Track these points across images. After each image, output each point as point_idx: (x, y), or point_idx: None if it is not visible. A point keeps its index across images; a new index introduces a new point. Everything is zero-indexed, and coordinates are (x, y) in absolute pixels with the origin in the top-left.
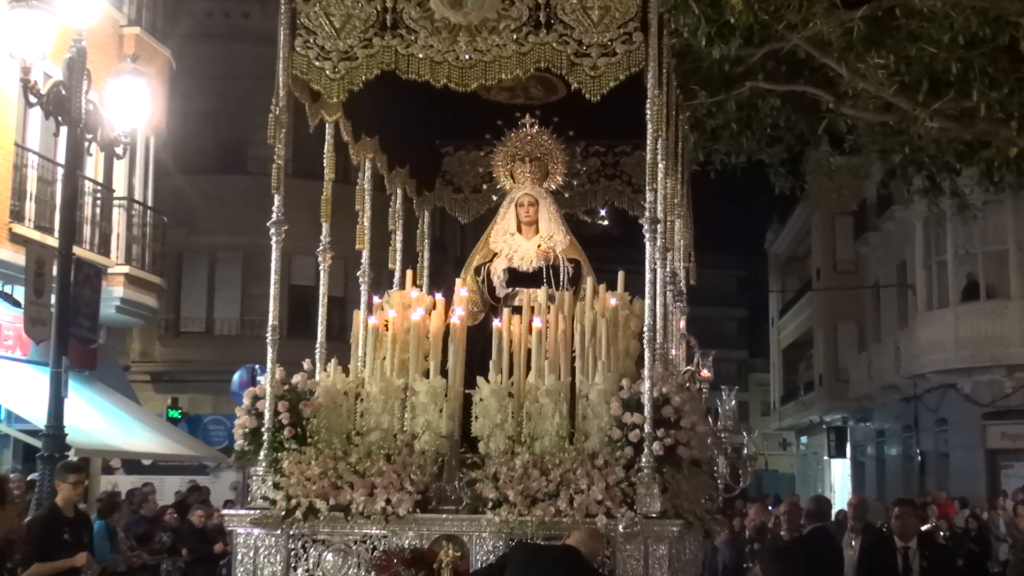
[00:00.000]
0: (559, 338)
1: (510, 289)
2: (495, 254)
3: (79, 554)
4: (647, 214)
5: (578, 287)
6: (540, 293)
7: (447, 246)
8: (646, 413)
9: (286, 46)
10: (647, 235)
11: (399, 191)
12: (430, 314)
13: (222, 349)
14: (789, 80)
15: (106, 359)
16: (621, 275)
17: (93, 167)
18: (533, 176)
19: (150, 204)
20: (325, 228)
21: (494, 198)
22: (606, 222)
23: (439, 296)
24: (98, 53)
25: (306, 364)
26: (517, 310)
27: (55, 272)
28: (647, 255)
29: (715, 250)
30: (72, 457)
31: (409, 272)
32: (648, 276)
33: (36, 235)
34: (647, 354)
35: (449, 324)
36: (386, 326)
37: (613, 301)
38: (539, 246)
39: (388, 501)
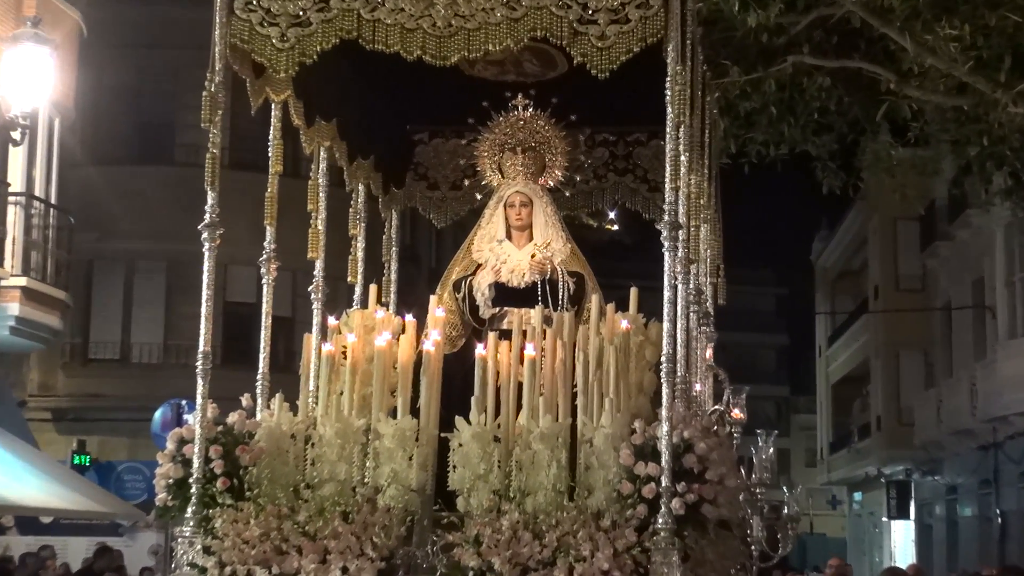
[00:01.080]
0: (557, 369)
1: (497, 309)
2: (479, 266)
3: None
4: (666, 218)
5: (581, 307)
6: (534, 314)
7: (420, 256)
8: (663, 463)
9: (223, 8)
10: (666, 244)
11: (361, 188)
12: (398, 339)
13: (141, 381)
14: (841, 55)
15: None
16: (634, 293)
17: None
18: (526, 170)
19: (53, 201)
20: (270, 232)
21: (478, 197)
22: (616, 227)
23: (409, 317)
24: None
25: (245, 400)
26: (506, 335)
27: None
28: (666, 268)
29: (750, 263)
30: None
31: (373, 287)
32: (667, 294)
33: None
34: (665, 390)
35: (421, 352)
36: (344, 354)
37: (624, 324)
38: (533, 256)
39: (345, 570)
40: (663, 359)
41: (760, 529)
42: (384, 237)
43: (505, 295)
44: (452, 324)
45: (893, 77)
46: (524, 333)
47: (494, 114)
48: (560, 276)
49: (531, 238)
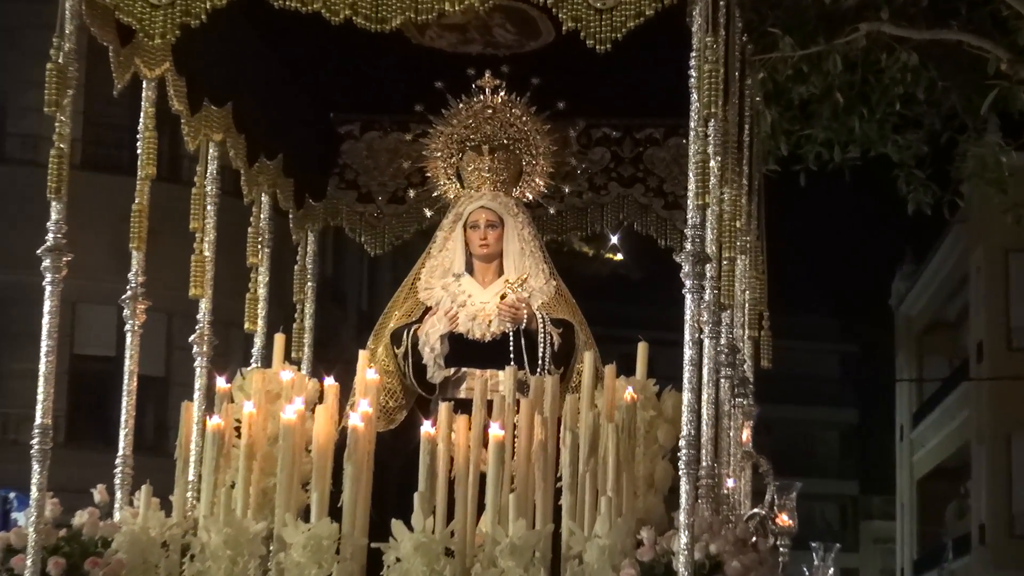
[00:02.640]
0: (534, 456)
1: (452, 371)
2: (427, 310)
3: None
4: (688, 246)
5: (568, 369)
6: (503, 378)
7: (345, 294)
8: None
9: None
10: (688, 282)
11: (266, 199)
12: (313, 411)
13: None
14: (933, 23)
15: None
16: (643, 349)
17: None
18: (495, 177)
19: None
20: (137, 260)
21: (428, 214)
22: (620, 258)
23: (330, 380)
24: None
25: (98, 493)
26: (464, 406)
27: None
28: (687, 316)
29: (807, 310)
30: None
31: (279, 338)
32: (689, 352)
33: None
34: (684, 486)
35: (346, 429)
36: (238, 430)
37: (629, 393)
38: (503, 297)
39: None
40: (682, 443)
41: None
42: (296, 268)
43: (464, 351)
44: (390, 391)
45: (1005, 55)
46: (489, 405)
47: (452, 99)
48: (540, 325)
49: (500, 272)
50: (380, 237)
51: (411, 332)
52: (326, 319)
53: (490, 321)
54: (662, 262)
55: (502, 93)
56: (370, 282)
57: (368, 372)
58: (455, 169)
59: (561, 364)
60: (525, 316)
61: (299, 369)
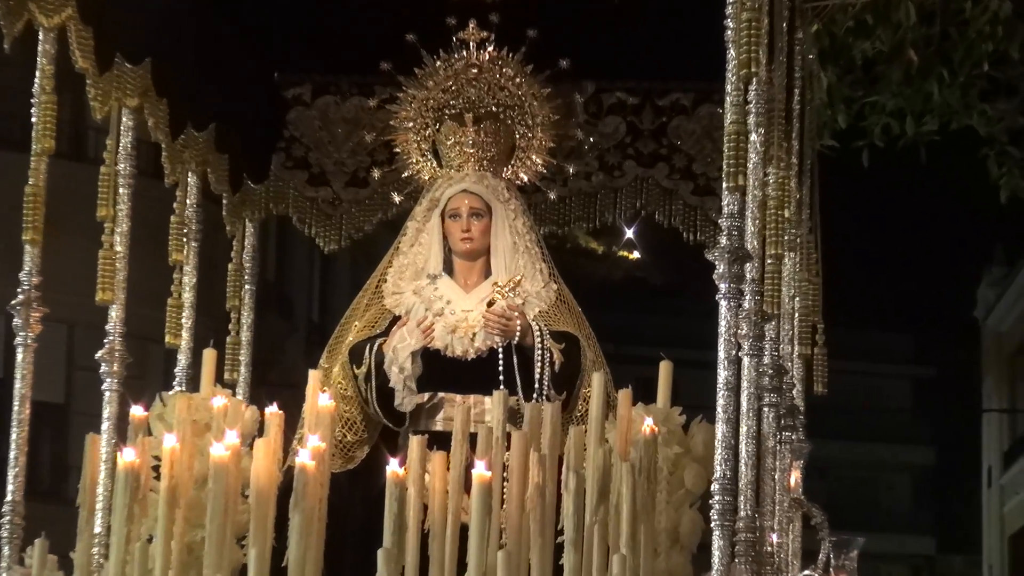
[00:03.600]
0: (529, 503)
1: (426, 396)
2: (395, 320)
3: None
4: (723, 240)
5: (573, 394)
6: (491, 405)
7: (292, 301)
8: None
9: None
10: (722, 286)
11: (193, 181)
12: (252, 446)
13: None
14: None
15: None
16: (666, 369)
17: None
18: (481, 154)
19: None
20: (31, 255)
21: (396, 200)
22: (637, 255)
23: (272, 408)
24: None
25: None
26: (441, 441)
27: None
28: (722, 328)
29: (870, 321)
30: None
31: (209, 354)
32: (724, 374)
33: None
34: (718, 542)
35: (292, 469)
36: (156, 470)
37: (648, 425)
38: (490, 304)
39: None
40: (714, 488)
41: None
42: (231, 268)
43: (441, 372)
44: (347, 422)
45: None
46: (473, 439)
47: (426, 56)
48: (537, 340)
49: (488, 273)
50: (336, 229)
51: (375, 348)
52: (268, 332)
53: (474, 334)
54: (690, 262)
55: (490, 48)
56: (323, 286)
57: (320, 398)
58: (431, 144)
59: (563, 388)
60: (518, 328)
61: (234, 394)
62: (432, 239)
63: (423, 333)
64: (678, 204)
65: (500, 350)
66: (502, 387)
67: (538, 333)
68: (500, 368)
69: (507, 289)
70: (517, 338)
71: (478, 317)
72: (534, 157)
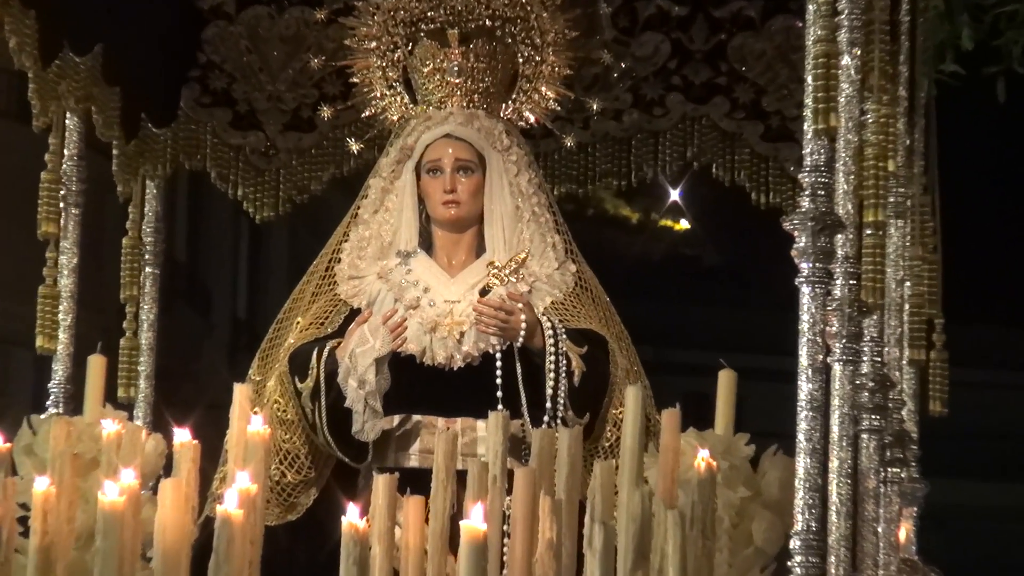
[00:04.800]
0: (541, 566)
1: (396, 420)
2: (353, 314)
3: None
4: (805, 203)
5: (599, 416)
6: (486, 432)
7: (210, 289)
8: None
9: None
10: (804, 266)
11: (72, 123)
12: (155, 488)
13: None
14: None
15: None
16: (727, 381)
17: None
18: (471, 84)
19: None
20: None
21: (354, 148)
22: (684, 225)
23: (183, 437)
24: None
25: None
26: (416, 481)
27: None
28: (804, 325)
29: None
30: None
31: (97, 362)
32: (806, 388)
33: None
34: None
35: (212, 519)
36: (24, 521)
37: (703, 458)
38: (484, 293)
39: None
40: (795, 544)
41: None
42: (126, 244)
43: (417, 386)
44: (288, 454)
45: None
46: (461, 478)
47: None
48: (550, 341)
49: (479, 249)
50: (271, 190)
51: (325, 354)
52: (177, 332)
53: (461, 334)
54: (758, 233)
55: None
56: (253, 269)
57: (251, 422)
58: (401, 71)
59: (585, 407)
60: (522, 326)
61: (131, 418)
62: (403, 203)
63: (392, 333)
64: (742, 153)
65: (498, 356)
66: (501, 407)
67: (550, 332)
68: (498, 381)
69: (507, 272)
70: (521, 339)
71: (468, 310)
72: (543, 89)
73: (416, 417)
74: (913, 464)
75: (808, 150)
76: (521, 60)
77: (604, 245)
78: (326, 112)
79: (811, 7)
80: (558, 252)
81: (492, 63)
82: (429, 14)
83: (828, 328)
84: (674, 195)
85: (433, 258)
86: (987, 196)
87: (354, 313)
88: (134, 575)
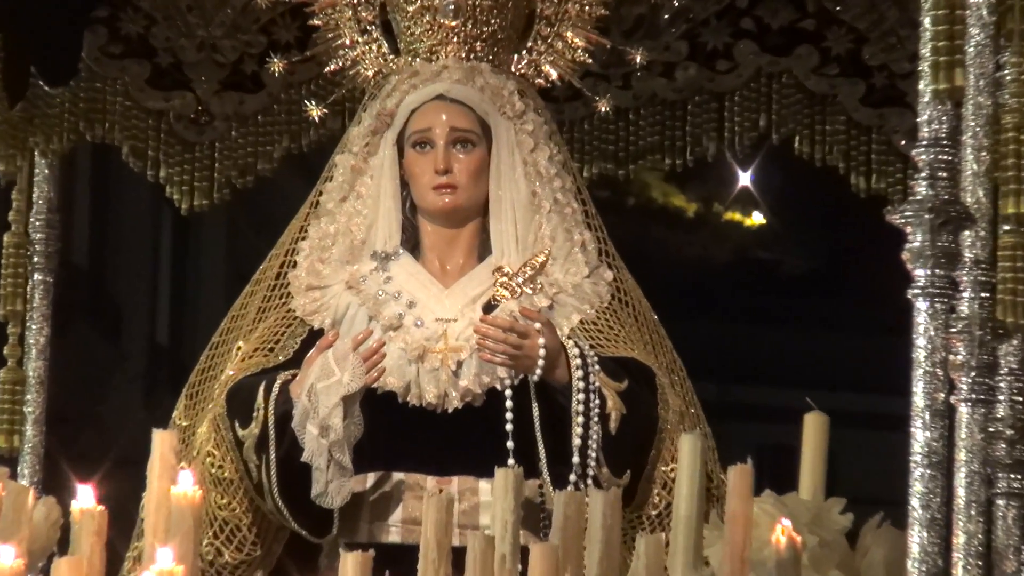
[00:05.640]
0: None
1: (370, 480)
2: (313, 335)
3: None
4: (920, 189)
5: (642, 474)
6: (491, 496)
7: (120, 302)
8: None
9: None
10: (920, 274)
11: None
12: (46, 572)
13: None
14: None
15: None
16: (815, 425)
17: None
18: (472, 28)
19: None
20: None
21: (314, 114)
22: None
23: (85, 501)
24: None
25: None
26: (398, 559)
27: None
28: (919, 355)
29: None
30: None
31: None
32: (923, 436)
33: None
34: None
35: None
36: None
37: (784, 528)
38: (488, 309)
39: None
40: None
41: None
42: (7, 242)
43: (400, 434)
44: (227, 525)
45: None
46: (458, 557)
47: None
48: (578, 373)
49: (482, 250)
50: (203, 171)
51: (276, 391)
52: (76, 360)
53: (459, 364)
54: (855, 230)
55: None
56: (178, 277)
57: (177, 481)
58: (378, 11)
59: (625, 462)
60: (541, 352)
61: (13, 475)
62: (381, 188)
63: (365, 362)
64: (836, 122)
65: (508, 394)
66: (512, 462)
67: (578, 361)
68: (508, 427)
69: (520, 280)
70: (539, 371)
71: (467, 332)
72: (569, 35)
73: (398, 476)
74: None
75: (924, 118)
76: None
77: (650, 245)
78: (277, 66)
79: None
80: (589, 254)
81: (499, 4)
82: None
83: (952, 357)
84: (744, 179)
85: (421, 262)
86: None
87: (315, 335)
88: None
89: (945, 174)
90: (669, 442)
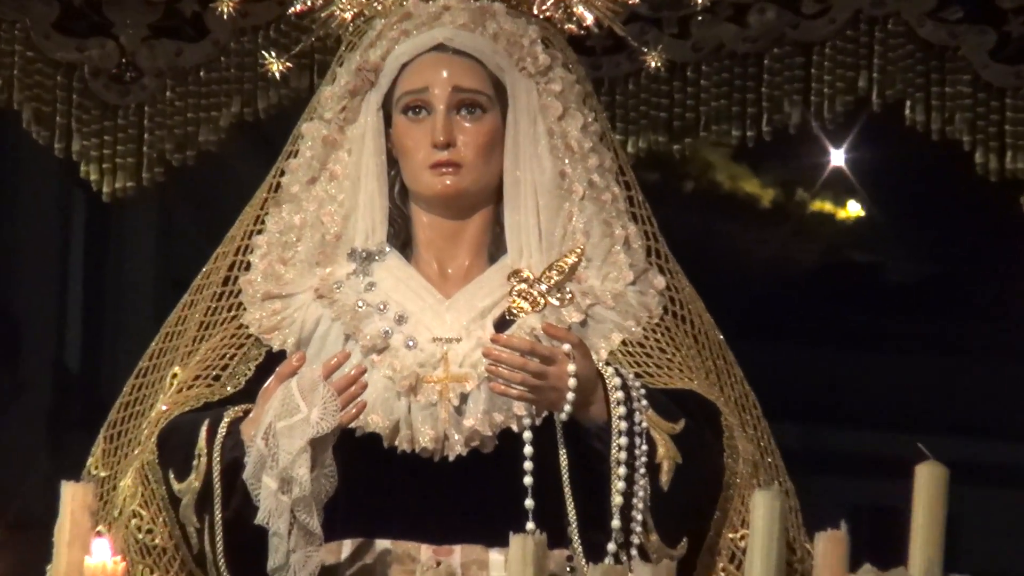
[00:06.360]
0: None
1: (347, 549)
2: (272, 358)
3: None
4: None
5: (702, 543)
6: (505, 569)
7: (19, 318)
8: None
9: None
10: None
11: None
12: None
13: None
14: None
15: None
16: (930, 479)
17: None
18: None
19: None
20: None
21: (274, 69)
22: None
23: None
24: None
25: None
26: None
27: None
28: None
29: None
30: None
31: None
32: None
33: None
34: None
35: None
36: None
37: None
38: (501, 321)
39: None
40: None
41: None
42: None
43: (387, 488)
44: None
45: None
46: None
47: None
48: (619, 411)
49: (494, 248)
50: (129, 144)
51: (223, 432)
52: None
53: (464, 398)
54: (983, 224)
55: None
56: (94, 283)
57: (92, 549)
58: None
59: (680, 526)
60: (571, 383)
61: None
62: (363, 166)
63: (340, 394)
64: (959, 82)
65: (527, 436)
66: (532, 525)
67: (620, 395)
68: (527, 480)
69: (544, 287)
70: (568, 408)
71: (475, 356)
72: None
73: (382, 544)
74: None
75: None
76: None
77: (714, 243)
78: (225, 5)
79: None
80: (634, 254)
81: None
82: None
83: None
84: (836, 157)
85: (414, 263)
86: None
87: (274, 359)
88: None
89: None
90: (739, 501)
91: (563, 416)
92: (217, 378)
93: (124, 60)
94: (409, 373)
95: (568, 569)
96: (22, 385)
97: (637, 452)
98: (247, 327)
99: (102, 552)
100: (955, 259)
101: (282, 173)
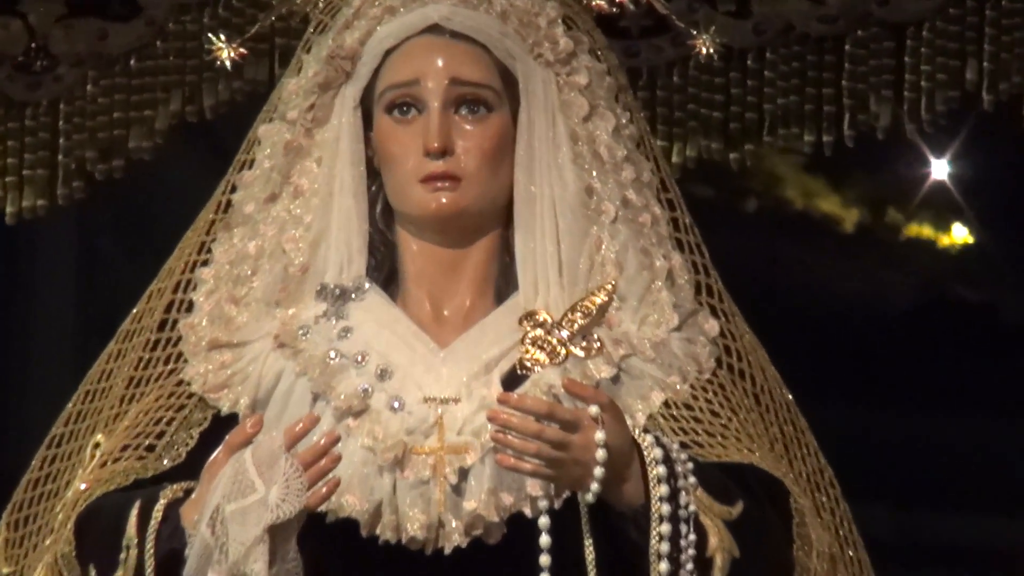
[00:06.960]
0: None
1: None
2: (220, 422)
3: None
4: None
5: None
6: None
7: None
8: None
9: None
10: None
11: None
12: None
13: None
14: None
15: None
16: None
17: None
18: None
19: None
20: None
21: (224, 55)
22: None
23: None
24: None
25: None
26: None
27: None
28: None
29: None
30: None
31: None
32: None
33: None
34: None
35: None
36: None
37: None
38: (510, 377)
39: None
40: None
41: None
42: None
43: None
44: None
45: None
46: None
47: None
48: (662, 489)
49: (500, 283)
50: (41, 151)
51: (158, 518)
52: None
53: (464, 474)
54: None
55: None
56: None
57: None
58: None
59: None
60: (600, 455)
61: None
62: (336, 179)
63: (307, 470)
64: None
65: (544, 523)
66: None
67: (661, 470)
68: None
69: (565, 334)
70: (596, 487)
71: (477, 420)
72: None
73: None
74: None
75: None
76: None
77: (782, 276)
78: None
79: None
80: (679, 292)
81: None
82: None
83: None
84: (938, 169)
85: (400, 303)
86: None
87: (222, 424)
88: None
89: None
90: None
91: (589, 497)
92: (151, 448)
93: (33, 44)
94: (394, 442)
95: None
96: None
97: (683, 543)
98: (189, 384)
99: None
100: None
101: (233, 189)
